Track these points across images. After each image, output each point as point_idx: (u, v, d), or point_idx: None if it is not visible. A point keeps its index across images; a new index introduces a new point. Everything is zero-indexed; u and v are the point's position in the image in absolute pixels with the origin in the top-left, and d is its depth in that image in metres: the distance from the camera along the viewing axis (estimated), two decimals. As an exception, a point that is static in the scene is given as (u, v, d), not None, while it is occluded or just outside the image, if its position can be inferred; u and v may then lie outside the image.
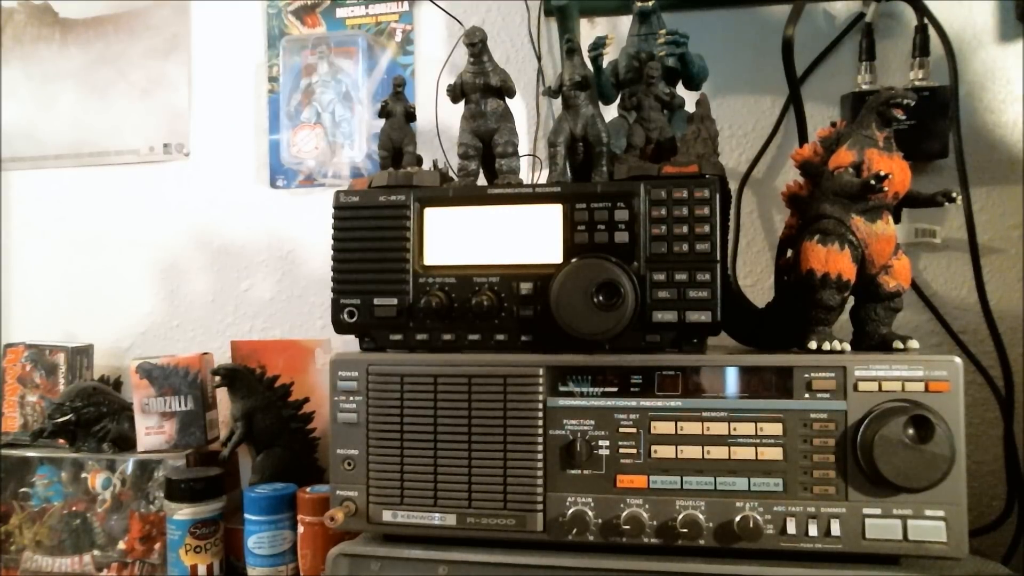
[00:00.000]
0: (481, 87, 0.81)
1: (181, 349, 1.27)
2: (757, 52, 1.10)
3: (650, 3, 0.88)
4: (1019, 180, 1.04)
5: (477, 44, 0.79)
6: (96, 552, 1.04)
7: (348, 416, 0.76)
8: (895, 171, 0.71)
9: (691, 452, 0.70)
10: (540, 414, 0.72)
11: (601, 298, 0.70)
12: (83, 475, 1.04)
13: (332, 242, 0.79)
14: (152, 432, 1.05)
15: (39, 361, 1.19)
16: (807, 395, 0.69)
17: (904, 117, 0.74)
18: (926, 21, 1.02)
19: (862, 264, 0.73)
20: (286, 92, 1.24)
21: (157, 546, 1.01)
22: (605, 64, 0.92)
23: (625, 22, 1.05)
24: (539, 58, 1.16)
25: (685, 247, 0.72)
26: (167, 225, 1.29)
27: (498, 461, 0.73)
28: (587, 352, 0.73)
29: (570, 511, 0.71)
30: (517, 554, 0.71)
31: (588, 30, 1.15)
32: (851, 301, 0.77)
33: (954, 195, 0.74)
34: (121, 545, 1.03)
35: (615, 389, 0.72)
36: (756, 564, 0.67)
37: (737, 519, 0.68)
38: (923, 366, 0.67)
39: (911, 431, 0.65)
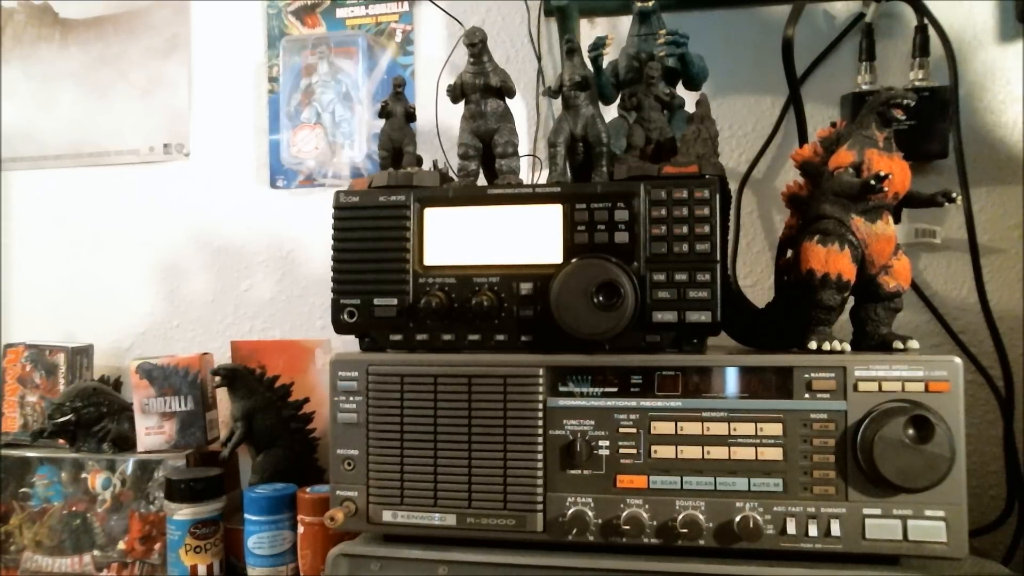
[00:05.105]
0: (481, 87, 0.80)
1: (181, 349, 1.27)
2: (757, 52, 1.10)
3: (650, 3, 0.88)
4: (1019, 180, 1.04)
5: (477, 44, 0.79)
6: (96, 552, 1.04)
7: (348, 416, 0.76)
8: (895, 171, 0.71)
9: (691, 452, 0.70)
10: (540, 414, 0.72)
11: (601, 298, 0.70)
12: (83, 475, 1.04)
13: (332, 242, 0.79)
14: (152, 432, 1.05)
15: (39, 361, 1.19)
16: (807, 395, 0.69)
17: (904, 117, 0.74)
18: (926, 21, 1.02)
19: (862, 264, 0.73)
20: (286, 92, 1.24)
21: (157, 546, 1.01)
22: (605, 64, 0.92)
23: (625, 22, 1.05)
24: (539, 58, 1.16)
25: (685, 247, 0.72)
26: (167, 225, 1.29)
27: (498, 461, 0.73)
28: (587, 352, 0.73)
29: (570, 511, 0.71)
30: (517, 554, 0.71)
31: (588, 30, 1.15)
32: (851, 301, 0.77)
33: (954, 195, 0.74)
34: (121, 545, 1.03)
35: (615, 389, 0.72)
36: (756, 564, 0.67)
37: (737, 519, 0.68)
38: (923, 366, 0.67)
39: (911, 431, 0.65)
